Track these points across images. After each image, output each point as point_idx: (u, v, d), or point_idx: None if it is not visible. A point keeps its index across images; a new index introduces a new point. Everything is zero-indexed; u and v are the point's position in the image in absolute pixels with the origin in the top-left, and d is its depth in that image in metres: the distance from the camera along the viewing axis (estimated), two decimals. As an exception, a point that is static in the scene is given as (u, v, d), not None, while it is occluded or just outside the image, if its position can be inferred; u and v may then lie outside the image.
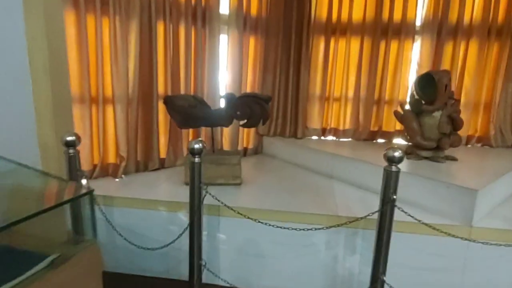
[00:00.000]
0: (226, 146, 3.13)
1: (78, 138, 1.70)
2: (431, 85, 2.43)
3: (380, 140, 3.28)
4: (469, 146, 3.22)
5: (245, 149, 3.32)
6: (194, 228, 1.53)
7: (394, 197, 1.41)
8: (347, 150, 2.94)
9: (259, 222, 1.50)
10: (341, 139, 3.33)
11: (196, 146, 1.49)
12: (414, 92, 2.56)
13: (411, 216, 1.41)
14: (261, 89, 3.19)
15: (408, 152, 2.58)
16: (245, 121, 2.39)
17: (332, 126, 3.36)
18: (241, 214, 1.53)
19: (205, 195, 1.54)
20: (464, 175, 2.23)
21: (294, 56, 3.15)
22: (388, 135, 3.27)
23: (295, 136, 3.30)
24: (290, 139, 3.27)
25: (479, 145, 3.26)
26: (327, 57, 3.17)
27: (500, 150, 3.10)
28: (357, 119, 3.26)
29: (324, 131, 3.37)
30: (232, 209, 1.54)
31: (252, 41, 3.08)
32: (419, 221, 1.41)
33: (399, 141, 3.27)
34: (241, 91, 3.01)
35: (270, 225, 1.50)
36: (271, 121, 3.26)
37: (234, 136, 3.11)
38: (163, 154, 2.78)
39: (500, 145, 3.17)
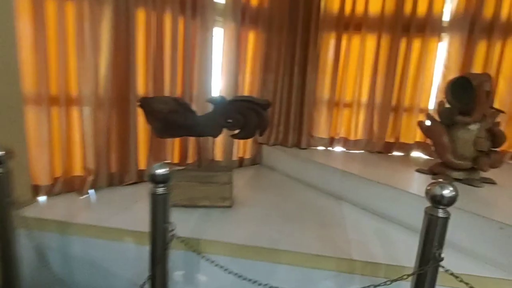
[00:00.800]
0: (219, 156, 2.72)
1: (10, 152, 1.28)
2: (467, 91, 1.98)
3: (397, 153, 2.92)
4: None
5: (241, 159, 2.95)
6: (156, 285, 1.09)
7: (441, 254, 0.97)
8: (359, 166, 2.53)
9: (244, 280, 1.07)
10: (352, 151, 2.97)
11: (159, 171, 1.06)
12: (445, 100, 2.11)
13: (465, 283, 0.97)
14: (261, 92, 2.85)
15: (435, 172, 2.16)
16: (238, 131, 1.97)
17: (342, 135, 3.03)
18: (222, 267, 1.09)
19: (171, 240, 1.10)
20: (512, 207, 1.77)
21: (299, 54, 2.82)
22: (407, 148, 2.91)
23: (298, 146, 2.98)
24: (292, 149, 2.94)
25: (514, 162, 2.82)
26: (338, 56, 2.85)
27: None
28: (371, 129, 2.93)
29: (332, 141, 3.04)
30: (211, 260, 1.11)
31: (251, 36, 2.76)
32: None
33: (418, 154, 2.86)
34: (238, 95, 2.60)
35: (261, 284, 1.07)
36: (271, 128, 2.93)
37: (228, 144, 2.72)
38: (143, 165, 2.37)
39: (540, 162, 2.76)
